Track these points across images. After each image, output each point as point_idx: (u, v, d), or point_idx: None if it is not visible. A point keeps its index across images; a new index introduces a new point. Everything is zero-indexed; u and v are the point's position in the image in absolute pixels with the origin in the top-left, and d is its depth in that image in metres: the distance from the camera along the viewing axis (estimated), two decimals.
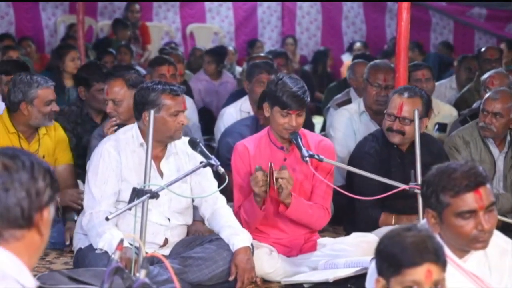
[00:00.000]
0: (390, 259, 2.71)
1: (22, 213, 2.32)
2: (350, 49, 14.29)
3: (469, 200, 3.07)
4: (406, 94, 5.36)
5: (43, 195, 2.36)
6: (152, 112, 4.49)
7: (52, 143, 5.82)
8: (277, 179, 4.71)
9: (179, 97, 4.79)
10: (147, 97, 4.77)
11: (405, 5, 5.69)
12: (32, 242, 2.37)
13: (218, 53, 10.56)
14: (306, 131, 5.14)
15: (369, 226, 5.28)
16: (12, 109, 5.63)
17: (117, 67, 7.21)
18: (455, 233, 3.11)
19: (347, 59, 13.27)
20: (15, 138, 5.63)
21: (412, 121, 5.21)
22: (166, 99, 4.75)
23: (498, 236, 3.27)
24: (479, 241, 3.12)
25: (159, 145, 4.84)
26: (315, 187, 5.05)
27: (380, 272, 2.75)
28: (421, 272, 2.68)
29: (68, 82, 8.05)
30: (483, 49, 8.91)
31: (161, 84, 4.83)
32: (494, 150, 5.86)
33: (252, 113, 6.88)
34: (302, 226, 5.05)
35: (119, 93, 5.51)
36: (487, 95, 5.85)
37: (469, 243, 3.13)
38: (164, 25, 14.64)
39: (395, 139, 5.38)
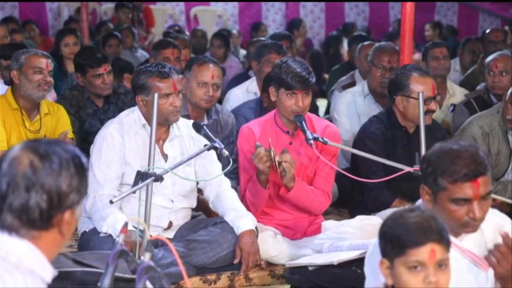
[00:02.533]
0: (393, 240, 2.71)
1: (40, 215, 2.30)
2: (345, 31, 14.21)
3: (466, 189, 3.06)
4: (426, 75, 5.36)
5: (65, 199, 2.33)
6: (156, 95, 4.48)
7: (54, 123, 5.82)
8: (279, 163, 4.70)
9: (168, 79, 4.77)
10: (137, 81, 4.80)
11: None
12: (51, 240, 2.35)
13: (225, 36, 10.49)
14: (312, 116, 5.14)
15: (379, 207, 5.27)
16: (11, 82, 5.66)
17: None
18: (446, 215, 3.10)
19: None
20: (17, 114, 5.64)
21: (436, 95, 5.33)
22: (154, 81, 4.75)
23: (493, 213, 3.27)
24: (469, 226, 3.13)
25: (161, 127, 4.83)
26: (319, 169, 5.05)
27: (384, 253, 2.75)
28: (424, 252, 2.67)
29: (71, 67, 8.05)
30: (487, 31, 8.88)
31: (151, 66, 4.83)
32: None
33: (259, 94, 6.88)
34: (302, 210, 5.05)
35: (220, 78, 5.70)
36: None
37: (459, 227, 3.14)
38: (168, 8, 14.61)
39: (429, 120, 5.33)
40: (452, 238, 3.09)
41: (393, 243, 2.71)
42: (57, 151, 2.35)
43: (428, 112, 5.22)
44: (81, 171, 2.37)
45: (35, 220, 2.31)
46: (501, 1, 15.06)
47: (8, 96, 5.66)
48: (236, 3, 14.99)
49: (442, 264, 2.71)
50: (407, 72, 5.35)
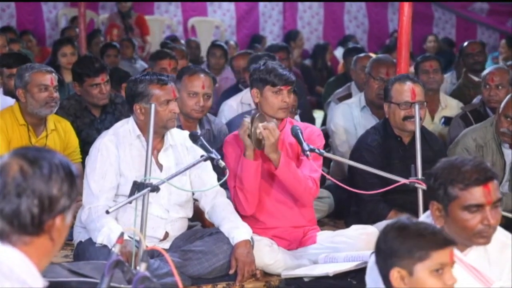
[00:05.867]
0: (418, 245, 2.75)
1: (32, 220, 2.31)
2: (344, 43, 14.21)
3: (478, 194, 3.10)
4: (409, 81, 5.39)
5: (56, 203, 2.34)
6: (153, 105, 4.50)
7: (60, 142, 5.79)
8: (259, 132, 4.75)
9: (168, 86, 4.80)
10: (136, 89, 4.80)
11: None
12: (42, 247, 2.35)
13: (224, 47, 10.47)
14: (293, 120, 5.20)
15: (374, 220, 5.26)
16: (16, 98, 5.65)
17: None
18: (460, 226, 3.12)
19: (339, 53, 13.24)
20: (24, 130, 5.63)
21: (423, 103, 5.37)
22: (154, 89, 4.78)
23: (498, 231, 3.28)
24: (483, 236, 3.14)
25: (156, 137, 4.83)
26: (303, 161, 5.03)
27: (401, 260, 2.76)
28: (445, 254, 2.76)
29: (68, 77, 8.05)
30: (464, 44, 8.81)
31: (148, 74, 4.87)
32: (507, 152, 5.73)
33: (253, 105, 6.89)
34: (292, 193, 5.02)
35: (211, 87, 5.73)
36: (507, 98, 5.65)
37: (472, 237, 3.15)
38: (165, 18, 14.61)
39: (413, 126, 5.33)
40: (457, 253, 3.11)
41: (418, 246, 2.74)
42: (46, 157, 2.36)
43: (407, 118, 5.34)
44: (71, 177, 2.38)
45: (27, 225, 2.31)
46: (498, 14, 15.12)
47: (16, 111, 5.64)
48: (233, 14, 15.01)
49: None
50: (393, 80, 5.47)
